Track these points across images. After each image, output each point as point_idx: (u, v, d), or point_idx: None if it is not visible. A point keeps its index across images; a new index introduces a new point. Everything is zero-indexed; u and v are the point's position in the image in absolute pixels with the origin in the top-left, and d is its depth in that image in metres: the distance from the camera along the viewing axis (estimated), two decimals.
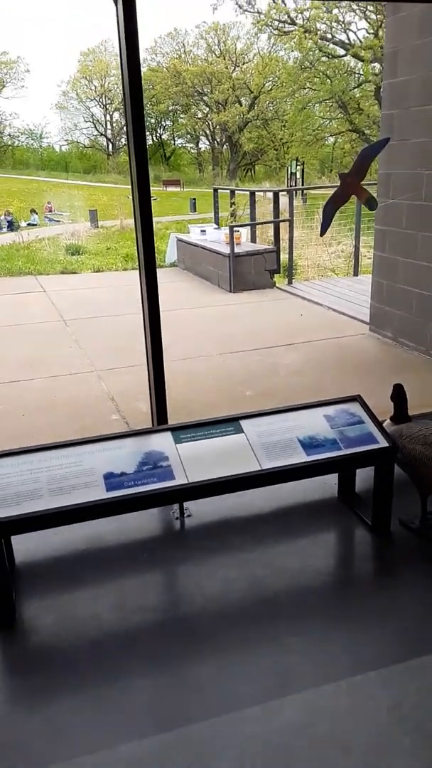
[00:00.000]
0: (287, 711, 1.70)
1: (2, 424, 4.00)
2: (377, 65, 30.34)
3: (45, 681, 1.84)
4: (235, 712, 1.70)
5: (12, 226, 18.71)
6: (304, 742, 1.60)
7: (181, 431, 2.41)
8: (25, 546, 2.41)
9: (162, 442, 2.35)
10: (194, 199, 24.07)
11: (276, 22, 33.52)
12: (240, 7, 34.01)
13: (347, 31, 33.76)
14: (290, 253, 8.45)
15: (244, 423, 2.47)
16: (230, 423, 2.47)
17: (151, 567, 2.37)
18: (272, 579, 2.25)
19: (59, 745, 1.63)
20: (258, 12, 33.67)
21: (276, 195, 9.00)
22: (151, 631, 2.02)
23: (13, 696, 1.82)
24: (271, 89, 41.70)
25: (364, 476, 2.79)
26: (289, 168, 28.79)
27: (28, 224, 19.98)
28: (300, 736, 1.62)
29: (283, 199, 8.99)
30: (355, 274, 8.55)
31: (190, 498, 2.35)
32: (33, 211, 21.41)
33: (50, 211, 22.71)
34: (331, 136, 39.81)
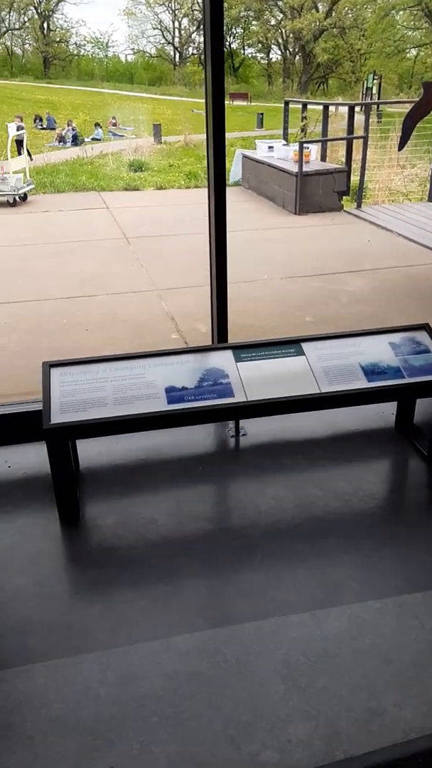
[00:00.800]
0: (333, 621, 1.77)
1: (67, 337, 4.10)
2: None
3: (105, 575, 1.97)
4: (282, 617, 1.78)
5: (76, 140, 18.43)
6: (348, 651, 1.68)
7: (242, 350, 2.41)
8: (88, 452, 2.53)
9: (223, 360, 2.36)
10: (262, 114, 22.88)
11: None
12: None
13: None
14: (362, 174, 8.03)
15: (305, 345, 2.44)
16: (292, 345, 2.45)
17: (205, 480, 2.45)
18: (324, 500, 2.29)
19: (118, 632, 1.76)
20: None
21: (351, 109, 8.47)
22: (204, 537, 2.12)
23: (77, 585, 1.96)
24: None
25: (423, 408, 2.75)
26: (365, 82, 26.82)
27: (92, 138, 19.61)
28: (344, 644, 1.70)
29: (358, 117, 8.45)
30: (430, 199, 8.07)
31: (248, 416, 2.38)
32: (97, 125, 20.93)
33: (114, 125, 22.17)
34: (413, 48, 36.60)
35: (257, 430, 2.72)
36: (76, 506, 2.22)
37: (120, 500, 2.31)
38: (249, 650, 1.69)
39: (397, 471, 2.57)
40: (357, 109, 8.85)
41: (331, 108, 11.05)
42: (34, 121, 19.71)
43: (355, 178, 8.16)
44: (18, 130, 10.42)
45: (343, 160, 8.40)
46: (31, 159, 11.17)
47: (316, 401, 2.27)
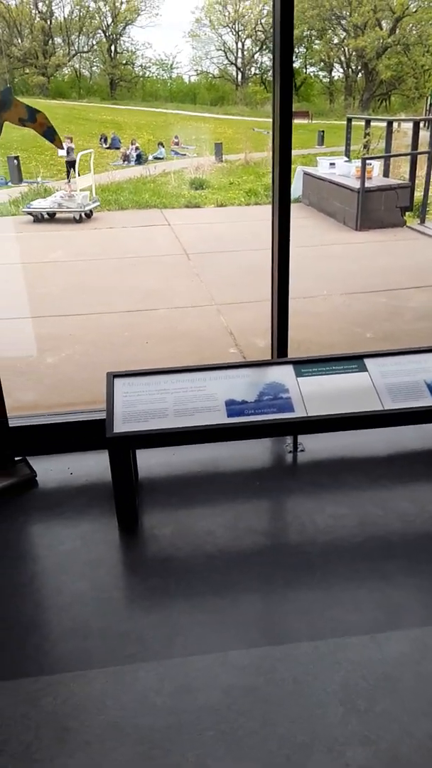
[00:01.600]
0: (394, 644, 1.72)
1: (128, 349, 4.19)
2: None
3: (162, 584, 1.98)
4: (341, 638, 1.74)
5: (140, 159, 18.91)
6: (410, 676, 1.62)
7: (303, 365, 2.40)
8: (147, 463, 2.56)
9: (283, 375, 2.36)
10: (323, 131, 22.86)
11: None
12: None
13: None
14: (426, 189, 7.88)
15: (368, 362, 2.41)
16: (354, 361, 2.42)
17: (262, 495, 2.44)
18: (385, 519, 2.23)
19: (174, 643, 1.76)
20: None
21: (416, 125, 8.35)
22: (262, 552, 2.10)
23: (134, 593, 1.98)
24: (416, 10, 37.86)
25: None
26: (430, 98, 26.41)
27: (155, 157, 20.09)
28: (405, 669, 1.64)
29: (423, 133, 8.32)
30: None
31: (309, 431, 2.36)
32: (160, 144, 21.44)
33: (177, 144, 22.65)
34: None
35: (316, 446, 2.68)
36: (135, 515, 2.25)
37: (177, 511, 2.32)
38: (306, 670, 1.65)
39: None
40: (421, 124, 8.72)
41: (395, 124, 10.93)
42: (100, 141, 20.37)
43: (418, 194, 8.03)
44: (68, 153, 10.55)
45: (407, 176, 8.28)
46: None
47: (378, 418, 2.23)
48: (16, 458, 2.58)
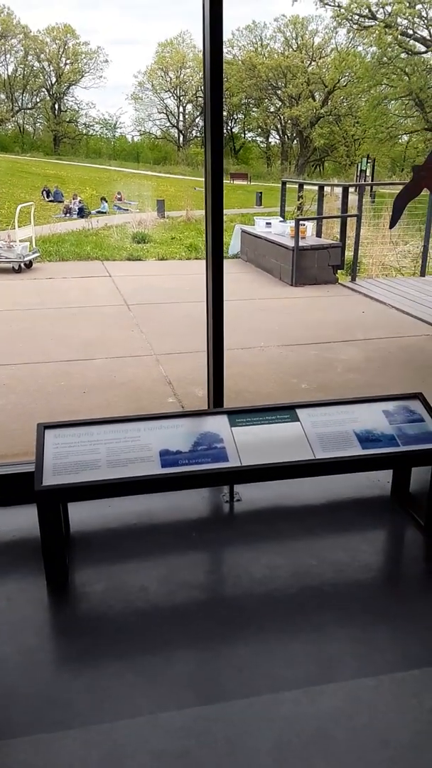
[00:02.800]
0: (327, 699, 1.70)
1: (64, 399, 4.13)
2: None
3: (93, 645, 1.90)
4: (275, 694, 1.71)
5: (83, 212, 19.13)
6: (342, 731, 1.60)
7: (237, 415, 2.43)
8: (79, 516, 2.49)
9: (218, 425, 2.37)
10: (260, 192, 23.91)
11: (356, 17, 32.81)
12: (321, 0, 33.43)
13: (430, 27, 32.70)
14: (356, 249, 8.32)
15: (300, 412, 2.46)
16: (286, 411, 2.47)
17: (199, 546, 2.40)
18: (319, 569, 2.24)
19: (103, 707, 1.68)
20: (338, 5, 33.04)
21: (345, 190, 8.87)
22: (196, 607, 2.05)
23: (62, 656, 1.89)
24: (346, 84, 40.87)
25: (419, 476, 2.73)
26: (360, 165, 28.23)
27: (98, 212, 20.38)
28: (338, 724, 1.62)
29: (352, 197, 8.84)
30: (422, 274, 8.34)
31: (243, 481, 2.37)
32: (103, 199, 21.81)
33: (120, 200, 23.10)
34: (405, 134, 38.73)
35: (252, 495, 2.69)
36: (65, 571, 2.17)
37: (110, 566, 2.26)
38: (240, 729, 1.61)
39: (393, 541, 2.53)
40: (351, 189, 9.27)
41: (327, 188, 11.59)
42: (42, 194, 20.52)
43: (349, 254, 8.46)
44: None
45: (338, 236, 8.73)
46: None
47: (310, 467, 2.27)
48: None
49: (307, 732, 1.59)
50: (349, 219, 8.57)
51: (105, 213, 20.41)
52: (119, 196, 23.31)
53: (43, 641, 1.93)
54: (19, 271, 9.06)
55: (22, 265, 9.13)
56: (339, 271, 8.38)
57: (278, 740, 1.57)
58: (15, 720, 1.64)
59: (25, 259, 9.18)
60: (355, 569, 2.24)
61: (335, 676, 1.77)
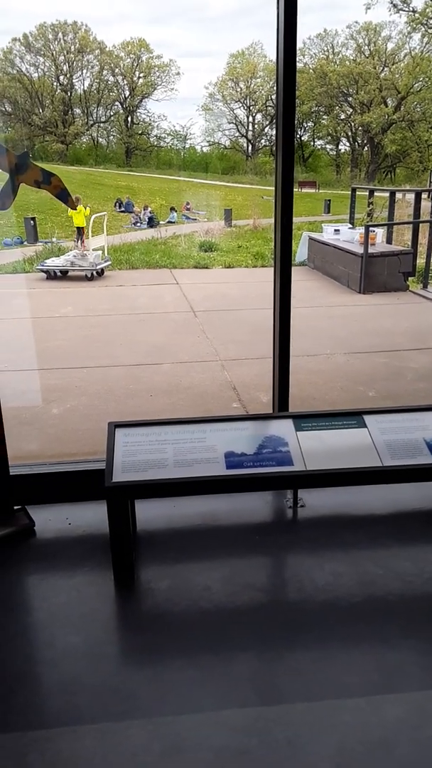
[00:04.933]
0: (391, 708, 1.67)
1: (132, 401, 4.24)
2: None
3: (156, 639, 1.94)
4: (336, 700, 1.70)
5: (152, 222, 19.58)
6: (407, 742, 1.57)
7: (303, 419, 2.43)
8: (146, 515, 2.56)
9: (283, 428, 2.38)
10: (329, 200, 23.70)
11: (431, 21, 32.06)
12: (394, 6, 32.89)
13: None
14: (428, 256, 8.10)
15: (367, 418, 2.43)
16: (353, 416, 2.44)
17: (261, 550, 2.41)
18: (384, 579, 2.20)
19: (166, 700, 1.72)
20: (413, 11, 32.39)
21: (418, 195, 8.67)
22: (258, 609, 2.06)
23: (127, 648, 1.94)
24: (420, 90, 39.97)
25: None
26: None
27: (167, 221, 20.80)
28: (402, 733, 1.59)
29: (425, 203, 8.63)
30: None
31: (307, 486, 2.36)
32: (172, 209, 22.24)
33: (188, 209, 23.48)
34: None
35: (316, 502, 2.67)
36: (132, 567, 2.23)
37: (175, 565, 2.30)
38: (301, 732, 1.60)
39: None
40: (424, 195, 9.05)
41: (398, 194, 11.34)
42: (115, 205, 21.14)
43: (421, 261, 8.25)
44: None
45: (410, 243, 8.53)
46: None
47: (377, 474, 2.24)
48: (16, 507, 2.58)
49: (371, 740, 1.57)
50: (421, 225, 8.36)
51: (174, 222, 20.80)
52: (188, 206, 23.70)
53: (109, 633, 1.99)
54: (91, 278, 9.37)
55: (95, 273, 9.44)
56: (410, 278, 8.18)
57: (340, 746, 1.56)
58: (82, 708, 1.70)
59: (98, 267, 9.49)
60: (424, 581, 2.18)
61: (399, 686, 1.74)
